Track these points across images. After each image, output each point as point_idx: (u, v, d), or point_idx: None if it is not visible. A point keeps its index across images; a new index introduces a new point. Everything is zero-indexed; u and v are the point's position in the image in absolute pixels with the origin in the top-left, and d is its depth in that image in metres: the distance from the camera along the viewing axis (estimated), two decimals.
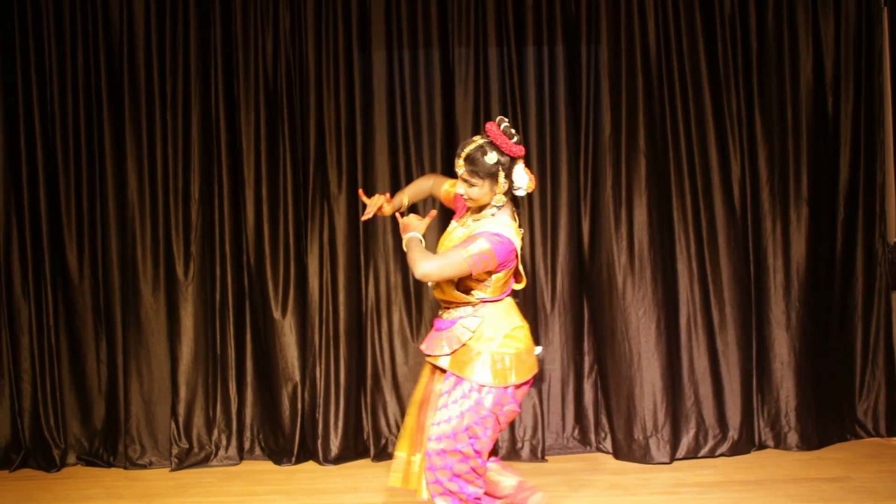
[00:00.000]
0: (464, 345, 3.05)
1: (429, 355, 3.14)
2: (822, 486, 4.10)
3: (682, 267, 4.70)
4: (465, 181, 3.05)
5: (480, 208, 3.11)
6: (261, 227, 4.71)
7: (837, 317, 4.85)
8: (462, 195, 3.09)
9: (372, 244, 4.73)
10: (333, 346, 4.66)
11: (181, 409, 4.67)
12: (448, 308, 3.15)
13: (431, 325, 3.24)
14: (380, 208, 3.34)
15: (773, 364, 4.73)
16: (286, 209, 4.71)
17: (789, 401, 4.71)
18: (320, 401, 4.66)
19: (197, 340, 4.70)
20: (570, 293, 4.75)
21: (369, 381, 4.74)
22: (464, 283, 3.07)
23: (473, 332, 3.06)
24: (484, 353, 3.04)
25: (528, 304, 4.66)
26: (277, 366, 4.69)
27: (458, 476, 3.01)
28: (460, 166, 3.04)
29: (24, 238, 4.71)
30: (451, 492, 3.01)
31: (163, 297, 4.72)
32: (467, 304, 3.10)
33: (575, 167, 4.74)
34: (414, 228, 3.12)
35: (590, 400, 4.78)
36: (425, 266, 2.95)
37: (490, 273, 3.03)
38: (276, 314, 4.69)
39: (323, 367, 4.66)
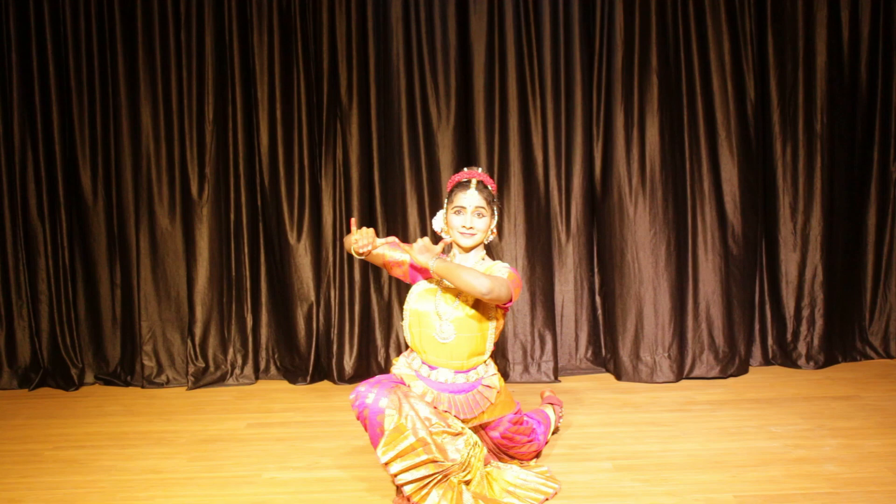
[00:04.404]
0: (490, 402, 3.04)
1: (465, 419, 2.99)
2: (831, 404, 4.13)
3: (692, 188, 4.70)
4: (475, 210, 2.96)
5: (468, 251, 3.02)
6: (275, 149, 4.71)
7: (849, 239, 4.86)
8: (464, 231, 2.98)
9: (387, 166, 4.72)
10: (348, 267, 4.68)
11: (197, 330, 4.72)
12: (458, 372, 3.00)
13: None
14: (371, 242, 2.95)
15: (782, 284, 4.76)
16: (300, 130, 4.70)
17: (799, 321, 4.74)
18: (335, 321, 4.70)
19: (212, 261, 4.72)
20: (583, 215, 4.76)
21: (384, 302, 4.77)
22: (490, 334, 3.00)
23: (497, 388, 3.06)
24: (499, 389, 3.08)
25: (542, 226, 4.67)
26: (292, 286, 4.72)
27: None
28: (469, 195, 2.94)
29: (38, 160, 4.72)
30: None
31: (178, 218, 4.74)
32: (483, 361, 3.04)
33: (588, 88, 4.72)
34: (437, 252, 2.94)
35: (602, 321, 4.82)
36: (486, 282, 2.78)
37: (504, 311, 3.01)
38: (291, 235, 4.71)
39: (337, 288, 4.69)
